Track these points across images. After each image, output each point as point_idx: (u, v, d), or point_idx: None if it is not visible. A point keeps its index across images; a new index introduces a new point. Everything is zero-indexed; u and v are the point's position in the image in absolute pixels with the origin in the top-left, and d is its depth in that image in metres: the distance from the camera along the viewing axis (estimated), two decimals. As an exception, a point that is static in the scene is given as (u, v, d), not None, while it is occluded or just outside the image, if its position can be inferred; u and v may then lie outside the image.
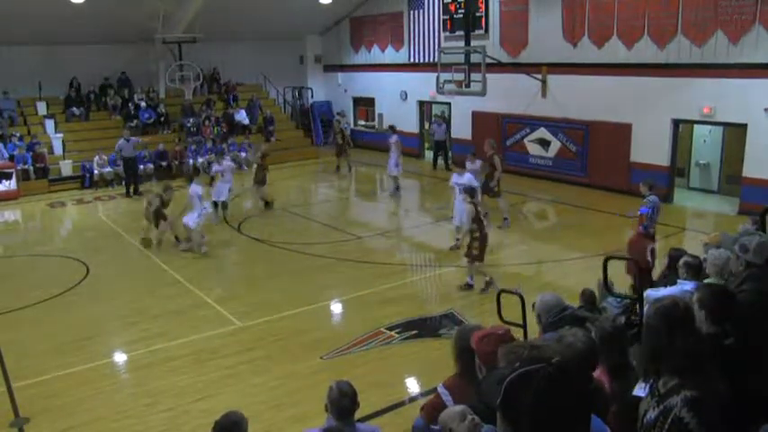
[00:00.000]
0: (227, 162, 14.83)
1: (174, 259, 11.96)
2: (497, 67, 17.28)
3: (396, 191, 16.91)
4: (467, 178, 11.83)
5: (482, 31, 18.74)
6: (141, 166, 19.25)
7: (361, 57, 24.27)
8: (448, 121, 22.04)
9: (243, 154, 21.06)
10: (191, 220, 12.15)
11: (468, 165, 13.67)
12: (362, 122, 25.35)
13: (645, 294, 5.28)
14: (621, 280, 7.54)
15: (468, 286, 9.97)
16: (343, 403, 3.79)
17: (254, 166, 16.15)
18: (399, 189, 16.95)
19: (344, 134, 20.27)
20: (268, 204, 15.76)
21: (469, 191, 10.07)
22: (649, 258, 8.30)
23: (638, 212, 9.28)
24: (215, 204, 14.21)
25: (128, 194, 17.71)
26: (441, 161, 20.34)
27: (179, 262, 11.80)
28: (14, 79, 19.90)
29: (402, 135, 21.80)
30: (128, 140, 17.86)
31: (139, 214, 16.10)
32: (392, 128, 17.59)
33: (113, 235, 13.99)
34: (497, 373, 1.87)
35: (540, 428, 1.75)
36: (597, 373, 3.50)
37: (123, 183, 18.24)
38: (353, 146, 21.73)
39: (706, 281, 4.87)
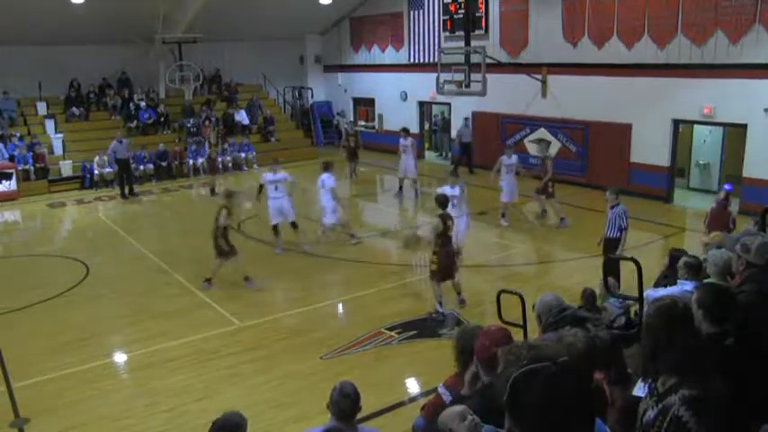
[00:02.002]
0: (282, 174, 12.15)
1: (174, 259, 11.95)
2: (497, 67, 17.28)
3: (399, 192, 16.79)
4: (458, 190, 10.64)
5: (482, 32, 18.74)
6: (141, 167, 19.28)
7: (362, 57, 24.27)
8: (448, 122, 22.07)
9: (243, 154, 21.10)
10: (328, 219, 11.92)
11: (506, 159, 13.74)
12: (362, 123, 25.34)
13: (645, 294, 5.28)
14: (623, 280, 7.54)
15: (438, 313, 8.99)
16: (342, 404, 3.78)
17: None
18: (402, 191, 16.77)
19: (358, 137, 19.51)
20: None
21: (442, 201, 9.09)
22: (732, 226, 9.32)
23: (724, 189, 10.06)
24: (275, 228, 12.16)
25: (123, 196, 17.66)
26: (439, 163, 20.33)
27: (179, 262, 11.79)
28: (14, 79, 19.88)
29: (402, 136, 21.90)
30: (120, 142, 17.62)
31: (139, 214, 16.20)
32: (405, 130, 17.18)
33: (113, 235, 13.98)
34: (507, 373, 1.87)
35: (544, 426, 1.75)
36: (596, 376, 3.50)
37: (117, 185, 18.13)
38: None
39: (706, 281, 4.86)
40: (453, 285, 9.35)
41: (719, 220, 9.54)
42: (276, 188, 11.83)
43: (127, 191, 17.72)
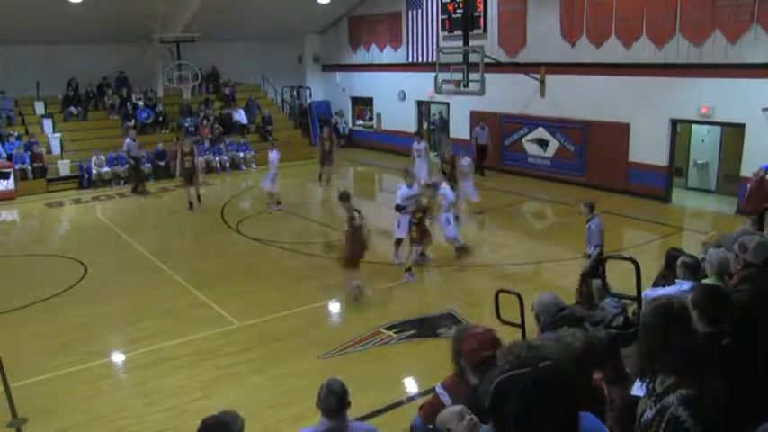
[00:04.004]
0: (417, 188, 11.29)
1: (172, 259, 11.95)
2: (496, 66, 17.28)
3: None
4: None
5: (480, 31, 18.74)
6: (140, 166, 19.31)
7: (360, 56, 24.27)
8: (447, 122, 22.07)
9: (241, 154, 21.09)
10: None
11: (464, 162, 13.93)
12: (361, 122, 25.36)
13: (643, 294, 5.29)
14: (621, 280, 7.55)
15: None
16: (329, 402, 3.82)
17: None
18: None
19: (333, 141, 18.59)
20: (191, 205, 15.78)
21: (344, 196, 9.86)
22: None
23: (762, 167, 11.53)
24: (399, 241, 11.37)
25: (137, 192, 17.99)
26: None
27: (177, 262, 11.79)
28: (12, 79, 19.86)
29: (401, 135, 21.93)
30: (134, 140, 18.13)
31: (137, 214, 16.17)
32: (418, 134, 16.94)
33: (111, 235, 13.96)
34: (491, 376, 1.86)
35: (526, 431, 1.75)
36: (595, 376, 3.51)
37: (127, 182, 18.42)
38: (354, 145, 21.63)
39: (704, 281, 4.87)
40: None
41: (757, 194, 11.04)
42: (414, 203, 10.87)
43: (134, 187, 18.10)
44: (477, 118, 19.54)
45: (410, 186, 11.08)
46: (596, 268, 8.54)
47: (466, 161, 14.01)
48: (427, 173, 15.63)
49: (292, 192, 18.33)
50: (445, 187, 11.36)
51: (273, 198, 15.35)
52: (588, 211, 8.78)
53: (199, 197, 16.21)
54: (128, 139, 18.21)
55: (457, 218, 12.21)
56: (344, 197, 9.76)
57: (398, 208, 10.99)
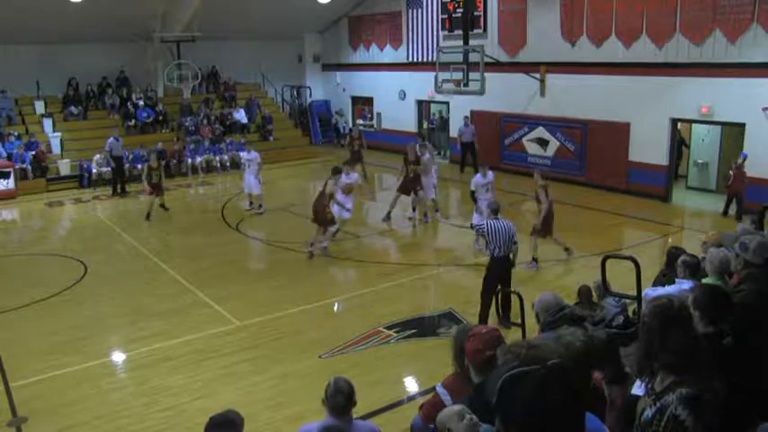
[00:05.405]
0: (353, 176, 13.16)
1: (172, 258, 11.95)
2: (496, 66, 17.28)
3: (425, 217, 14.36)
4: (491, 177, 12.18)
5: (480, 31, 18.74)
6: (139, 165, 19.26)
7: (360, 56, 24.26)
8: (446, 121, 22.06)
9: (242, 154, 21.07)
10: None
11: (425, 157, 14.09)
12: (361, 122, 25.34)
13: (643, 293, 5.29)
14: (619, 280, 7.55)
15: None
16: (336, 400, 3.83)
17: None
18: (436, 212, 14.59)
19: (362, 141, 18.86)
20: (164, 207, 15.32)
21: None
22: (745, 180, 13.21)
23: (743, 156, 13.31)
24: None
25: (114, 193, 17.76)
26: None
27: (177, 261, 11.79)
28: (12, 78, 19.84)
29: (400, 135, 21.91)
30: (117, 139, 17.81)
31: (137, 213, 16.16)
32: (421, 136, 16.92)
33: (111, 234, 13.96)
34: (499, 372, 1.86)
35: (532, 429, 1.74)
36: (595, 376, 3.50)
37: (111, 183, 18.05)
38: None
39: (705, 280, 4.86)
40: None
41: (738, 178, 13.21)
42: (487, 190, 11.97)
43: (114, 190, 17.79)
44: (476, 117, 19.53)
45: (484, 176, 12.02)
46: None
47: (427, 156, 14.00)
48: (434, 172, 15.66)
49: (293, 191, 18.34)
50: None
51: (259, 200, 15.27)
52: (494, 215, 8.79)
53: (163, 205, 15.32)
54: (110, 138, 17.64)
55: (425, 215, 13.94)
56: (335, 171, 11.50)
57: (472, 196, 11.91)
